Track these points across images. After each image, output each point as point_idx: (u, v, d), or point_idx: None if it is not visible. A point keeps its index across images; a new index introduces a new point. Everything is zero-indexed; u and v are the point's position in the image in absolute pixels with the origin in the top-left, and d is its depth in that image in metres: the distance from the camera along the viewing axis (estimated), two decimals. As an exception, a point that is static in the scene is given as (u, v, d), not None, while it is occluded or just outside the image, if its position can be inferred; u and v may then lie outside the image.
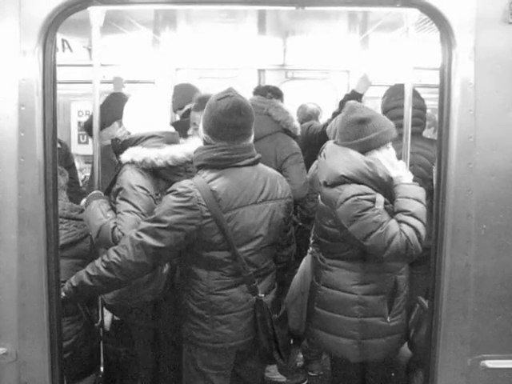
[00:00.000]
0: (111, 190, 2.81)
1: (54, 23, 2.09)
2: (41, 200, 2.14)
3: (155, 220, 2.42)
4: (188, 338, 2.65)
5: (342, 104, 4.03)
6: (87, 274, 2.45)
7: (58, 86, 2.28)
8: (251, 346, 2.64)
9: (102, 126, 3.26)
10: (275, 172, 2.76)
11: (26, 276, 2.16)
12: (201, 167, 2.55)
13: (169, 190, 2.49)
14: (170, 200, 2.43)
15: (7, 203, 2.14)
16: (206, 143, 2.58)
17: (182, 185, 2.46)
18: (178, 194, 2.42)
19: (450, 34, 2.10)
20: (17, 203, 2.13)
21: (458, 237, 2.16)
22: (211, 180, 2.46)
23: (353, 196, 2.56)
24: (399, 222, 2.54)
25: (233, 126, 2.48)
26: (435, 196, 2.36)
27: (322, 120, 5.49)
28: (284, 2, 2.39)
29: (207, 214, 2.41)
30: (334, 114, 4.11)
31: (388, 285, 2.72)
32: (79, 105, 6.21)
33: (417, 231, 2.47)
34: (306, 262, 3.04)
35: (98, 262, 2.46)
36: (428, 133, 4.06)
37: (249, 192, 2.52)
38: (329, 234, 2.77)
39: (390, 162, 2.70)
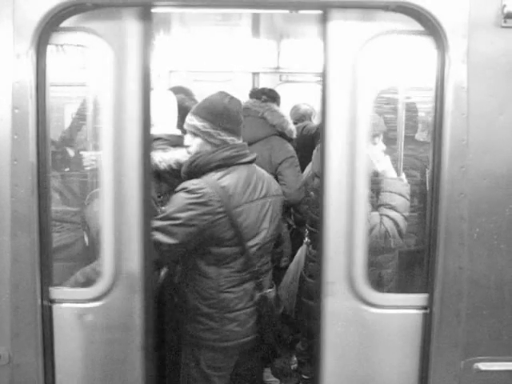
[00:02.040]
0: None
1: (48, 26, 2.09)
2: (34, 202, 2.14)
3: (167, 218, 2.44)
4: (192, 338, 2.66)
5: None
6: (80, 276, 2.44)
7: (52, 88, 2.27)
8: (255, 344, 2.70)
9: None
10: (266, 172, 2.84)
11: (19, 278, 2.16)
12: (211, 170, 2.55)
13: (178, 188, 2.51)
14: (181, 197, 2.45)
15: (0, 205, 2.13)
16: (215, 146, 2.58)
17: (193, 182, 2.49)
18: (190, 191, 2.44)
19: (443, 37, 2.11)
20: (10, 205, 2.12)
21: (451, 240, 2.16)
22: (220, 177, 2.51)
23: None
24: (381, 214, 2.66)
25: (241, 122, 2.64)
26: (428, 199, 2.37)
27: (316, 121, 5.50)
28: (278, 5, 2.39)
29: (220, 209, 2.45)
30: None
31: (371, 278, 2.75)
32: (73, 107, 6.18)
33: (397, 224, 2.60)
34: (301, 252, 3.15)
35: (94, 265, 2.44)
36: (421, 136, 4.07)
37: (253, 188, 2.60)
38: (316, 223, 2.83)
39: (376, 158, 2.78)
